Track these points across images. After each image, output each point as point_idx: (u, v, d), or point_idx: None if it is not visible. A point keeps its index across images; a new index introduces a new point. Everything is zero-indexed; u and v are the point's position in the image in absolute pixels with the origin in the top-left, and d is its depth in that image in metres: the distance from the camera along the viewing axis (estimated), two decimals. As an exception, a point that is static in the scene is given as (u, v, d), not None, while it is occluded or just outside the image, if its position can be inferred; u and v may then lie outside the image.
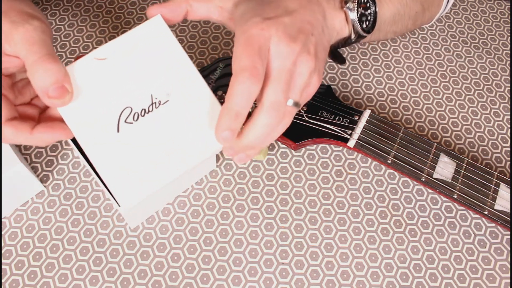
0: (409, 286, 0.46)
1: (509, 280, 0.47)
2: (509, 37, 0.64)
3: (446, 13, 0.66)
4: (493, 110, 0.58)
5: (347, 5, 0.42)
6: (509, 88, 0.60)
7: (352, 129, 0.50)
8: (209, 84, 0.54)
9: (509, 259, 0.48)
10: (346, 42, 0.45)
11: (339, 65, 0.52)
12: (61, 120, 0.36)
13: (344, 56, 0.61)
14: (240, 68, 0.34)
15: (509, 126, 0.57)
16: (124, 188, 0.36)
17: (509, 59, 0.62)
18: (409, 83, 0.59)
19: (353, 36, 0.44)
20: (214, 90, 0.53)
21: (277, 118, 0.35)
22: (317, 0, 0.41)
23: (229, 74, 0.54)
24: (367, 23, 0.44)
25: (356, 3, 0.42)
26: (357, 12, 0.42)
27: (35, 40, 0.34)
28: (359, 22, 0.43)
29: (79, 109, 0.35)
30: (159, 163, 0.37)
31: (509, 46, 0.64)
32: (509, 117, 0.58)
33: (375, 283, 0.46)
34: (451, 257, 0.48)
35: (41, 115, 0.38)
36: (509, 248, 0.49)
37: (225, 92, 0.53)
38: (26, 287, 0.45)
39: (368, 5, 0.44)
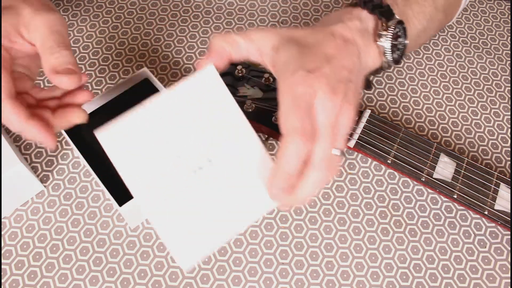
0: (409, 286, 0.46)
1: (509, 280, 0.47)
2: (509, 37, 0.64)
3: (466, 14, 0.65)
4: (493, 110, 0.58)
5: (381, 39, 0.43)
6: (509, 88, 0.60)
7: (352, 129, 0.50)
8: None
9: (509, 259, 0.48)
10: (376, 71, 0.45)
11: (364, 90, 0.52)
12: (52, 131, 0.37)
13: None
14: (291, 129, 0.34)
15: (509, 126, 0.57)
16: (183, 249, 0.36)
17: (509, 59, 0.62)
18: (409, 83, 0.60)
19: (385, 66, 0.44)
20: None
21: (328, 172, 0.36)
22: (353, 39, 0.42)
23: (229, 74, 0.55)
24: (398, 52, 0.45)
25: (390, 36, 0.42)
26: (390, 45, 0.43)
27: (56, 29, 0.37)
28: (391, 53, 0.43)
29: (137, 170, 0.35)
30: (216, 222, 0.36)
31: (509, 46, 0.64)
32: (509, 117, 0.58)
33: (375, 283, 0.46)
34: (451, 257, 0.48)
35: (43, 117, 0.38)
36: (509, 248, 0.49)
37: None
38: (26, 287, 0.45)
39: (400, 34, 0.44)
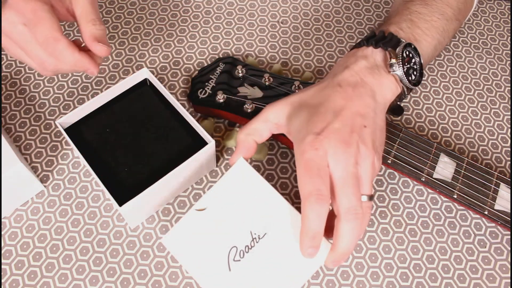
0: (409, 286, 0.46)
1: (509, 280, 0.47)
2: (509, 37, 0.64)
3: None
4: (493, 110, 0.58)
5: (393, 68, 0.43)
6: (509, 88, 0.60)
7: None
8: (209, 83, 0.54)
9: (509, 259, 0.48)
10: (400, 98, 0.45)
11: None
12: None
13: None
14: (306, 193, 0.37)
15: (509, 126, 0.57)
16: None
17: (509, 59, 0.62)
18: (409, 83, 0.60)
19: (405, 91, 0.45)
20: (215, 90, 0.53)
21: (358, 220, 0.37)
22: (361, 80, 0.43)
23: (229, 73, 0.55)
24: (415, 73, 0.45)
25: (400, 62, 0.43)
26: (404, 70, 0.43)
27: (95, 4, 0.44)
28: (407, 77, 0.44)
29: (196, 255, 0.41)
30: None
31: (509, 46, 0.64)
32: (509, 117, 0.58)
33: (375, 283, 0.46)
34: (451, 257, 0.48)
35: None
36: (509, 248, 0.49)
37: (225, 91, 0.53)
38: (26, 287, 0.45)
39: (411, 55, 0.45)
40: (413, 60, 0.45)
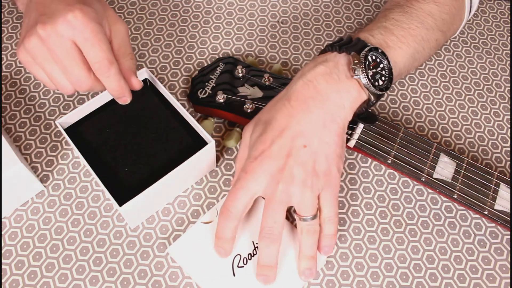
0: (409, 286, 0.46)
1: (509, 280, 0.47)
2: (509, 37, 0.64)
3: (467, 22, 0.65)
4: (493, 110, 0.58)
5: (356, 72, 0.42)
6: (509, 88, 0.60)
7: (352, 129, 0.50)
8: (209, 83, 0.54)
9: (509, 259, 0.48)
10: (368, 104, 0.44)
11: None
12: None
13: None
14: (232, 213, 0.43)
15: (509, 126, 0.57)
16: None
17: (509, 59, 0.62)
18: (409, 83, 0.60)
19: (372, 98, 0.43)
20: (215, 90, 0.53)
21: (269, 239, 0.42)
22: (314, 89, 0.42)
23: (229, 73, 0.55)
24: (383, 78, 0.43)
25: (363, 66, 0.41)
26: (367, 75, 0.42)
27: (129, 38, 0.46)
28: (372, 83, 0.42)
29: (201, 263, 0.44)
30: None
31: (509, 46, 0.64)
32: (509, 117, 0.58)
33: (375, 283, 0.46)
34: (451, 257, 0.48)
35: None
36: (509, 248, 0.49)
37: (225, 91, 0.53)
38: (26, 287, 0.45)
39: (378, 60, 0.43)
40: (381, 65, 0.43)
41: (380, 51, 0.43)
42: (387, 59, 0.44)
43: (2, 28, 0.62)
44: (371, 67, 0.42)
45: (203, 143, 0.48)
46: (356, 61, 0.42)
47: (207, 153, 0.48)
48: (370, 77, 0.42)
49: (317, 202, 0.42)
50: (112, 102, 0.52)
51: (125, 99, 0.45)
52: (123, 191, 0.45)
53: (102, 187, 0.45)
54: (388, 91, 0.51)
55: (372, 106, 0.45)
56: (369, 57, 0.42)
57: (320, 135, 0.41)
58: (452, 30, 0.55)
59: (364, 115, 0.46)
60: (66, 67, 0.40)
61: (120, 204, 0.43)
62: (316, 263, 0.44)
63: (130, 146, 0.49)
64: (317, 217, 0.42)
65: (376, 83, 0.42)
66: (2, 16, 0.63)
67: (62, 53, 0.40)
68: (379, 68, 0.43)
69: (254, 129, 0.44)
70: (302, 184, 0.40)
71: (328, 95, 0.41)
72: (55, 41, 0.39)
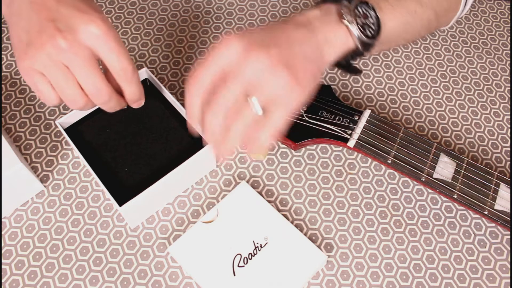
0: (409, 286, 0.46)
1: (509, 280, 0.47)
2: (509, 37, 0.64)
3: (466, 14, 0.65)
4: (493, 110, 0.58)
5: (345, 18, 0.43)
6: (509, 88, 0.60)
7: (352, 129, 0.50)
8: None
9: (509, 259, 0.48)
10: (356, 53, 0.45)
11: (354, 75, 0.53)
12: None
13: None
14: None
15: (509, 126, 0.57)
16: None
17: (509, 59, 0.62)
18: (409, 83, 0.59)
19: (359, 46, 0.44)
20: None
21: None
22: (308, 21, 0.43)
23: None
24: (371, 30, 0.45)
25: (353, 14, 0.43)
26: (357, 23, 0.43)
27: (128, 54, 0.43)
28: (362, 31, 0.44)
29: (202, 263, 0.45)
30: None
31: (509, 46, 0.64)
32: (509, 117, 0.57)
33: (375, 283, 0.46)
34: (451, 257, 0.48)
35: None
36: (509, 248, 0.49)
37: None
38: (26, 287, 0.45)
39: (368, 13, 0.45)
40: (370, 19, 0.45)
41: (370, 5, 0.45)
42: (375, 11, 0.45)
43: (2, 28, 0.62)
44: (360, 17, 0.44)
45: (204, 144, 0.48)
46: (346, 10, 0.44)
47: (207, 153, 0.48)
48: (358, 25, 0.43)
49: (268, 93, 0.38)
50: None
51: (141, 102, 0.45)
52: (123, 191, 0.45)
53: (102, 187, 0.45)
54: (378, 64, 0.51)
55: (360, 56, 0.46)
56: (359, 9, 0.44)
57: (303, 48, 0.41)
58: (445, 18, 0.55)
59: (347, 66, 0.48)
60: (85, 78, 0.38)
61: (120, 204, 0.43)
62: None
63: (130, 146, 0.49)
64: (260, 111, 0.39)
65: (365, 32, 0.44)
66: (2, 16, 0.63)
67: (82, 63, 0.38)
68: (368, 21, 0.45)
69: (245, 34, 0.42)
70: (267, 60, 0.38)
71: (319, 27, 0.43)
72: (77, 51, 0.37)
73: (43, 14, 0.38)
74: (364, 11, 0.44)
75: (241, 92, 0.38)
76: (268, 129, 0.38)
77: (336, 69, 0.60)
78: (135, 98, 0.43)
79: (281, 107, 0.38)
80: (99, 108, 0.51)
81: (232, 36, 0.38)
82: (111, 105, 0.42)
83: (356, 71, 0.50)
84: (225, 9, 0.65)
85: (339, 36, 0.43)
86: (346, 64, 0.47)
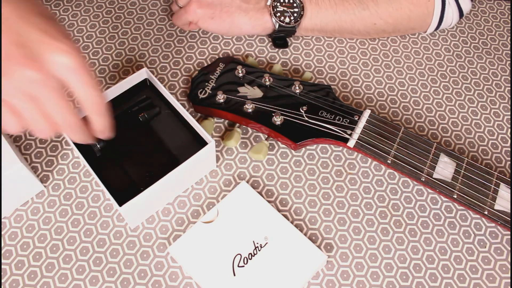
0: (409, 286, 0.46)
1: (509, 280, 0.47)
2: (509, 37, 0.64)
3: (466, 14, 0.66)
4: (493, 110, 0.58)
5: (268, 2, 0.56)
6: (509, 88, 0.60)
7: (352, 129, 0.50)
8: (209, 83, 0.54)
9: (509, 259, 0.48)
10: (274, 31, 0.58)
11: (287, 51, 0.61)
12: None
13: (344, 57, 0.61)
14: None
15: (509, 126, 0.57)
16: None
17: (509, 59, 0.62)
18: (409, 83, 0.60)
19: (277, 27, 0.57)
20: (215, 90, 0.53)
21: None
22: (247, 6, 0.57)
23: (229, 73, 0.54)
24: (291, 18, 0.57)
25: (276, 0, 0.56)
26: (273, 9, 0.56)
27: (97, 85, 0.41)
28: (277, 16, 0.56)
29: (202, 263, 0.45)
30: None
31: (509, 46, 0.64)
32: (509, 117, 0.58)
33: (375, 283, 0.46)
34: (451, 257, 0.48)
35: None
36: (509, 248, 0.49)
37: (225, 91, 0.53)
38: (26, 287, 0.45)
39: (294, 5, 0.57)
40: (294, 9, 0.57)
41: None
42: (301, 5, 0.57)
43: (2, 28, 0.62)
44: (283, 5, 0.56)
45: (203, 143, 0.48)
46: None
47: (207, 153, 0.48)
48: (276, 11, 0.57)
49: None
50: (112, 102, 0.52)
51: (109, 134, 0.42)
52: (123, 191, 0.45)
53: (102, 187, 0.45)
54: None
55: (279, 35, 0.59)
56: None
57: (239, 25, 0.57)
58: (407, 27, 0.60)
59: (277, 41, 0.60)
60: (53, 109, 0.36)
61: (120, 204, 0.43)
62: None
63: (130, 146, 0.49)
64: None
65: (282, 18, 0.56)
66: None
67: (50, 94, 0.36)
68: (292, 10, 0.57)
69: None
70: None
71: (248, 9, 0.57)
72: (46, 82, 0.35)
73: (11, 37, 0.35)
74: (291, 2, 0.56)
75: None
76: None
77: (336, 69, 0.60)
78: (103, 129, 0.41)
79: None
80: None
81: None
82: (79, 137, 0.40)
83: (282, 46, 0.60)
84: (225, 9, 0.65)
85: (261, 15, 0.57)
86: (274, 38, 0.60)
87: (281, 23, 0.56)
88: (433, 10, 0.58)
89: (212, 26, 0.57)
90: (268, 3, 0.56)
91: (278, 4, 0.56)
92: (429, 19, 0.59)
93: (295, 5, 0.56)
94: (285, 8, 0.56)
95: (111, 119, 0.41)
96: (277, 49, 0.61)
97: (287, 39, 0.60)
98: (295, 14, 0.57)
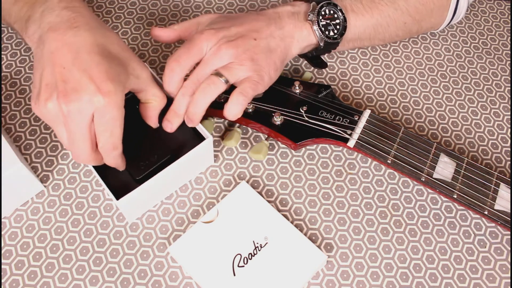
0: (409, 286, 0.46)
1: (509, 280, 0.47)
2: (509, 37, 0.64)
3: (466, 14, 0.65)
4: (493, 110, 0.58)
5: (309, 17, 0.50)
6: (509, 88, 0.60)
7: (352, 129, 0.50)
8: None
9: (509, 259, 0.48)
10: (317, 49, 0.52)
11: (323, 68, 0.58)
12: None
13: (344, 57, 0.61)
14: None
15: (509, 126, 0.57)
16: None
17: (509, 59, 0.62)
18: (409, 83, 0.60)
19: (321, 43, 0.51)
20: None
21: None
22: (278, 16, 0.50)
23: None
24: (335, 31, 0.51)
25: (316, 14, 0.50)
26: (318, 23, 0.50)
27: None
28: (323, 31, 0.50)
29: (202, 263, 0.45)
30: None
31: (509, 46, 0.64)
32: (509, 117, 0.58)
33: (375, 283, 0.46)
34: (451, 257, 0.48)
35: None
36: (509, 248, 0.49)
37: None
38: (26, 287, 0.45)
39: (335, 16, 0.51)
40: (336, 21, 0.51)
41: (339, 8, 0.51)
42: (343, 15, 0.51)
43: (2, 28, 0.62)
44: (325, 17, 0.50)
45: (202, 139, 0.48)
46: (312, 10, 0.50)
47: (205, 148, 0.48)
48: (321, 25, 0.50)
49: (234, 76, 0.46)
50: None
51: (119, 168, 0.46)
52: (123, 188, 0.45)
53: (104, 185, 0.45)
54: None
55: (323, 52, 0.53)
56: (326, 9, 0.51)
57: (268, 40, 0.48)
58: (428, 23, 0.58)
59: (315, 60, 0.54)
60: (73, 139, 0.41)
61: (118, 197, 0.43)
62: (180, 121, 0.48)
63: (130, 143, 0.49)
64: (227, 83, 0.46)
65: (326, 32, 0.50)
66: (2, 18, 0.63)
67: (76, 127, 0.40)
68: (334, 22, 0.51)
69: (218, 18, 0.50)
70: (235, 54, 0.46)
71: (286, 23, 0.50)
72: (75, 117, 0.39)
73: (56, 69, 0.39)
74: (332, 12, 0.51)
75: (210, 72, 0.46)
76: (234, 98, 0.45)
77: (336, 69, 0.60)
78: (110, 165, 0.45)
79: (246, 85, 0.46)
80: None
81: (211, 31, 0.46)
82: (94, 163, 0.44)
83: (321, 65, 0.55)
84: (225, 9, 0.65)
85: (303, 33, 0.50)
86: (311, 57, 0.54)
87: (328, 39, 0.50)
88: (450, 1, 0.57)
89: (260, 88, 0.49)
90: (310, 18, 0.50)
91: (321, 17, 0.50)
92: (446, 12, 0.58)
93: (336, 16, 0.51)
94: (327, 21, 0.50)
95: (122, 159, 0.45)
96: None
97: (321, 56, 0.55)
98: (338, 26, 0.51)
